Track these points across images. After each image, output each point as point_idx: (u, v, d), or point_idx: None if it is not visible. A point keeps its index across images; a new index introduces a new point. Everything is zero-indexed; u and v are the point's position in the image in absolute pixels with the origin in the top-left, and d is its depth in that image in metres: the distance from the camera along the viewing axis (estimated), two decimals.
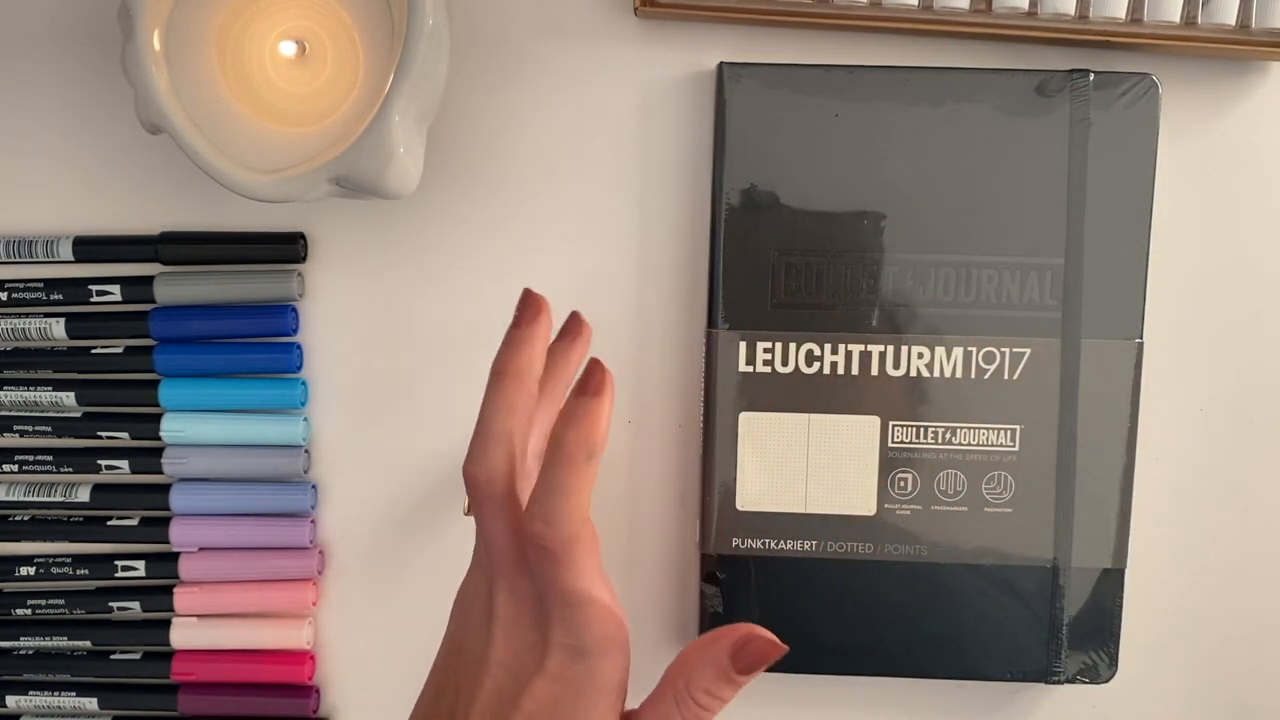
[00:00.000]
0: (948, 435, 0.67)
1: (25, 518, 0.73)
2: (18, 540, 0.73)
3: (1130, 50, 0.68)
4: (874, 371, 0.67)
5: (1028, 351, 0.67)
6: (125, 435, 0.72)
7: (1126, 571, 0.68)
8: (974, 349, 0.67)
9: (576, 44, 0.70)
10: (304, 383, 0.72)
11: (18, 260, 0.71)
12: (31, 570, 0.72)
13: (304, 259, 0.71)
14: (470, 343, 0.71)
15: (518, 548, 0.55)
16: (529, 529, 0.53)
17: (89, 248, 0.71)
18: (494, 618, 0.55)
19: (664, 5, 0.68)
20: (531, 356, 0.57)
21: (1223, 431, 0.71)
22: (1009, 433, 0.67)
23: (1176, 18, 0.66)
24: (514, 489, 0.55)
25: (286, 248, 0.71)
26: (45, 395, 0.71)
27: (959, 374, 0.67)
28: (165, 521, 0.72)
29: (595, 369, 0.54)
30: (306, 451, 0.72)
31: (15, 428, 0.72)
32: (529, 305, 0.57)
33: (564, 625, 0.53)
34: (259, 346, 0.72)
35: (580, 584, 0.53)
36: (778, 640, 0.53)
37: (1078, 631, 0.68)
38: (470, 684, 0.55)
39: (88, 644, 0.73)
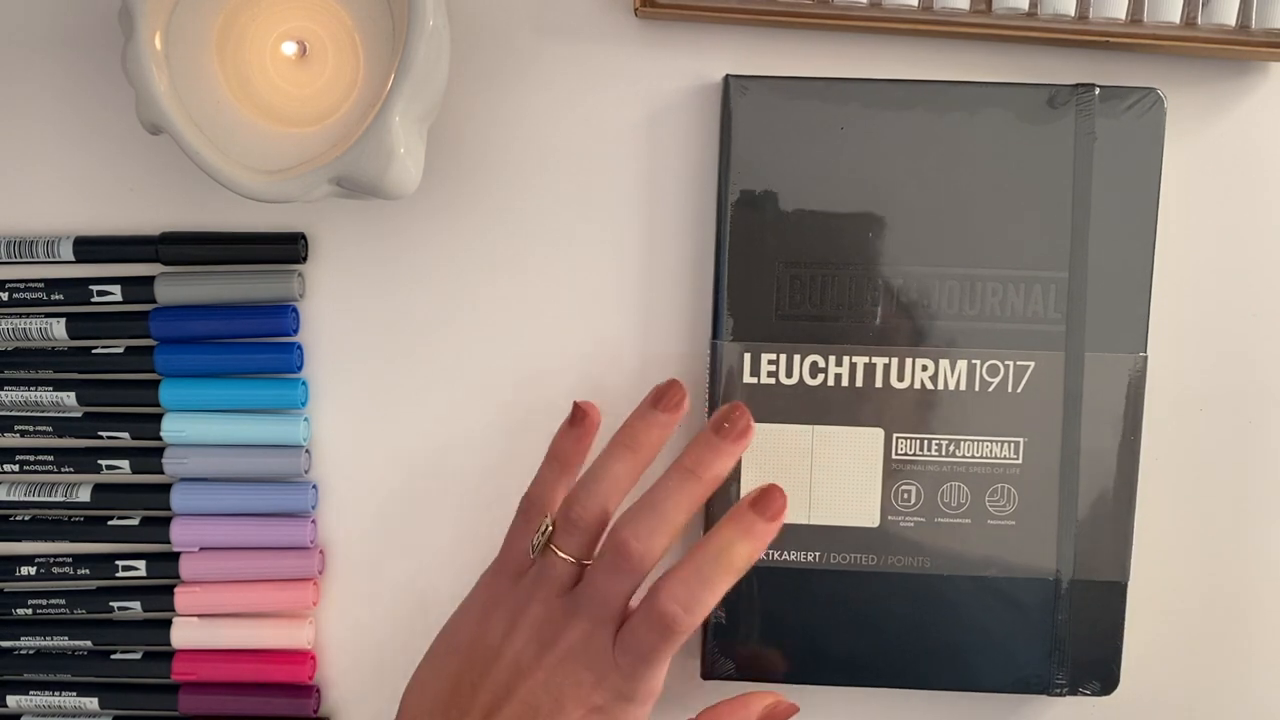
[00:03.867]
0: (951, 448, 0.67)
1: (26, 518, 0.73)
2: (18, 540, 0.73)
3: (1130, 51, 0.68)
4: (878, 383, 0.67)
5: (1032, 364, 0.67)
6: (126, 435, 0.72)
7: (1129, 584, 0.68)
8: (978, 362, 0.67)
9: (577, 45, 0.69)
10: (304, 383, 0.72)
11: (18, 260, 0.71)
12: (32, 570, 0.72)
13: (304, 259, 0.71)
14: (470, 343, 0.71)
15: (624, 609, 0.61)
16: (665, 607, 0.59)
17: (89, 248, 0.71)
18: (554, 644, 0.61)
19: (664, 6, 0.67)
20: (724, 471, 0.62)
21: (1225, 443, 0.71)
22: (1012, 445, 0.67)
23: (1176, 18, 0.66)
24: None
25: (286, 248, 0.71)
26: (46, 395, 0.71)
27: (963, 386, 0.67)
28: (166, 521, 0.72)
29: (776, 495, 0.60)
30: (307, 451, 0.72)
31: (16, 428, 0.72)
32: (740, 420, 0.62)
33: (630, 679, 0.60)
34: (259, 346, 0.71)
35: (668, 656, 0.60)
36: (795, 705, 0.64)
37: (1080, 644, 0.68)
38: (500, 689, 0.61)
39: (88, 644, 0.73)
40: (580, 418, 0.66)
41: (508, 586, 0.65)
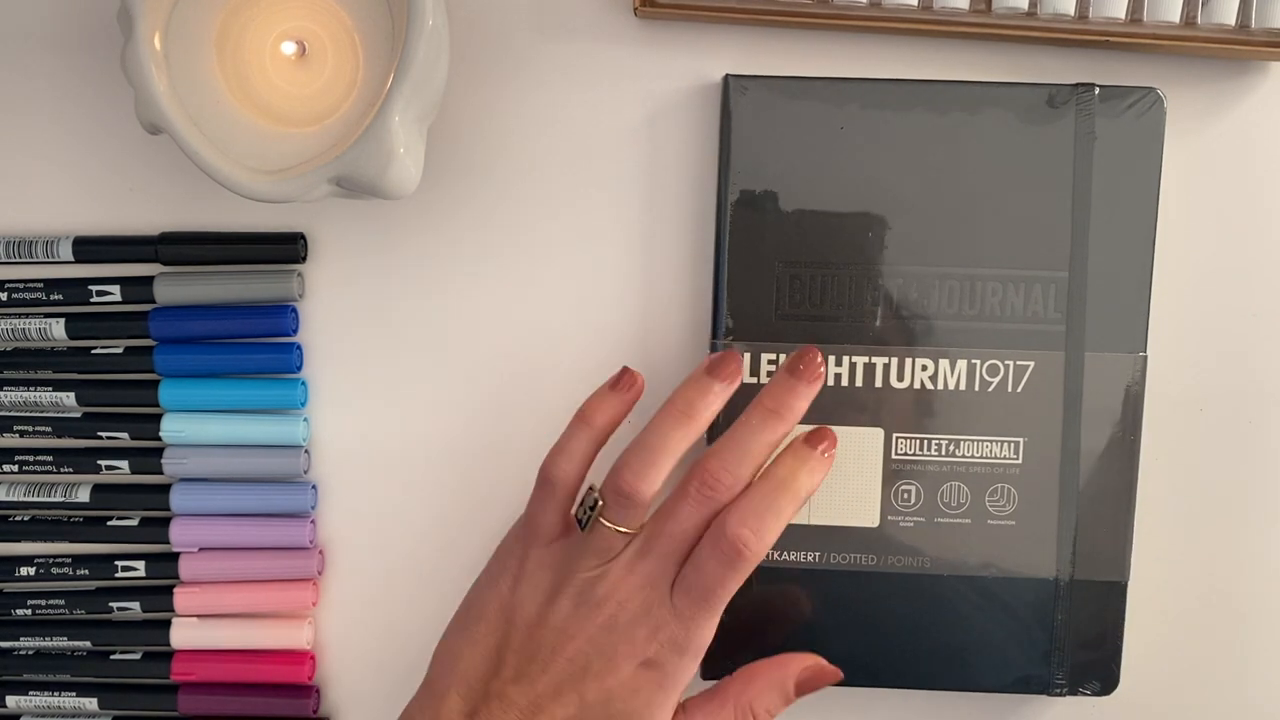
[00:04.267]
0: (951, 447, 0.67)
1: (25, 518, 0.73)
2: (18, 540, 0.73)
3: (1130, 51, 0.68)
4: (878, 383, 0.67)
5: (1031, 364, 0.67)
6: (125, 435, 0.71)
7: (1129, 584, 0.68)
8: (978, 361, 0.67)
9: (577, 45, 0.69)
10: (304, 383, 0.72)
11: (18, 260, 0.71)
12: (31, 570, 0.72)
13: (304, 259, 0.71)
14: (470, 342, 0.71)
15: (693, 542, 0.62)
16: (735, 530, 0.60)
17: (89, 248, 0.71)
18: (605, 603, 0.61)
19: (664, 6, 0.67)
20: (802, 411, 0.64)
21: (1225, 443, 0.71)
22: (1012, 445, 0.67)
23: (1176, 18, 0.66)
24: None
25: (286, 248, 0.71)
26: (45, 395, 0.71)
27: (963, 386, 0.67)
28: (165, 521, 0.72)
29: (827, 431, 0.64)
30: (306, 451, 0.72)
31: (15, 428, 0.72)
32: (814, 362, 0.64)
33: (687, 624, 0.61)
34: (259, 346, 0.71)
35: (728, 596, 0.61)
36: (837, 670, 0.64)
37: (1079, 644, 0.68)
38: (547, 651, 0.62)
39: (88, 644, 0.73)
40: (629, 384, 0.65)
41: (539, 554, 0.64)
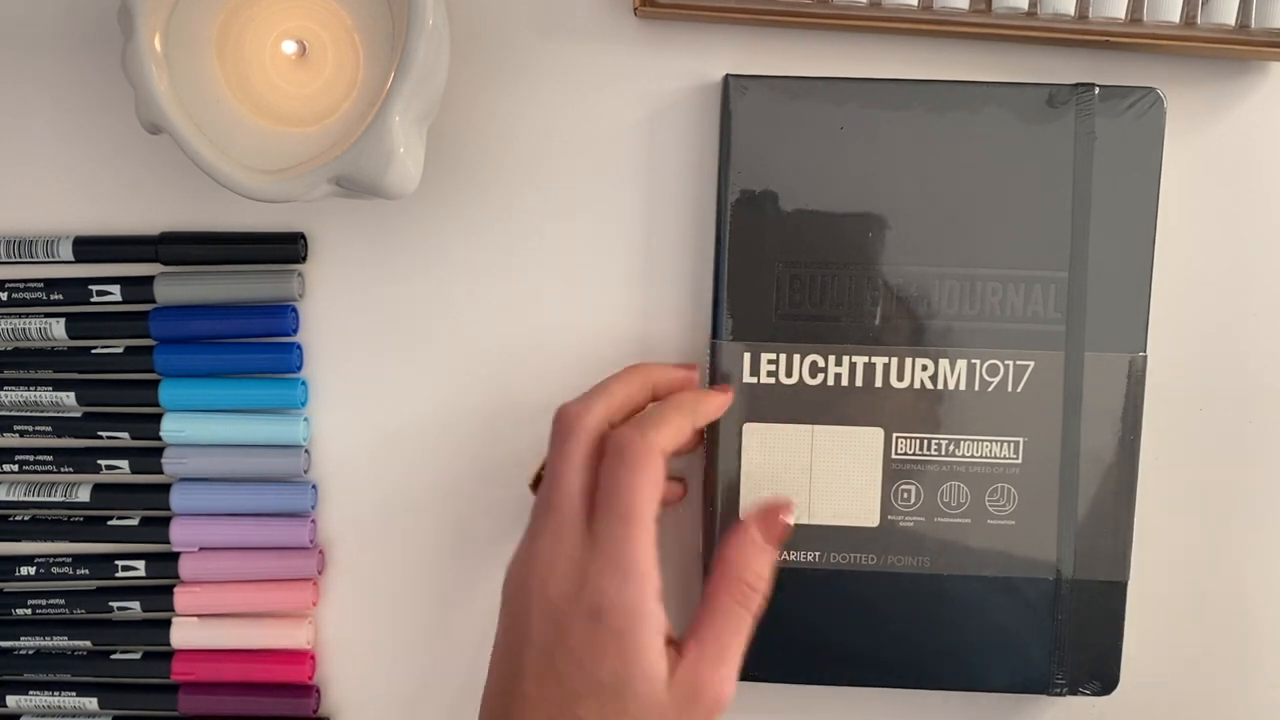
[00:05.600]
0: (951, 447, 0.67)
1: (25, 518, 0.73)
2: (18, 540, 0.73)
3: (1130, 51, 0.68)
4: (878, 383, 0.67)
5: (1031, 364, 0.67)
6: (125, 435, 0.71)
7: (1129, 584, 0.68)
8: (978, 361, 0.67)
9: (577, 44, 0.69)
10: (304, 383, 0.72)
11: (18, 260, 0.71)
12: (31, 570, 0.72)
13: (304, 259, 0.71)
14: (470, 342, 0.71)
15: None
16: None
17: (89, 248, 0.71)
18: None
19: (664, 6, 0.67)
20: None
21: (1225, 443, 0.71)
22: (1012, 445, 0.67)
23: (1176, 18, 0.66)
24: None
25: (286, 248, 0.71)
26: (45, 395, 0.71)
27: (963, 386, 0.67)
28: (165, 521, 0.72)
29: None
30: (306, 451, 0.72)
31: (15, 428, 0.72)
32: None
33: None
34: (259, 346, 0.71)
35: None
36: (783, 500, 0.62)
37: (1079, 643, 0.68)
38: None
39: (88, 644, 0.73)
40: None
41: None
